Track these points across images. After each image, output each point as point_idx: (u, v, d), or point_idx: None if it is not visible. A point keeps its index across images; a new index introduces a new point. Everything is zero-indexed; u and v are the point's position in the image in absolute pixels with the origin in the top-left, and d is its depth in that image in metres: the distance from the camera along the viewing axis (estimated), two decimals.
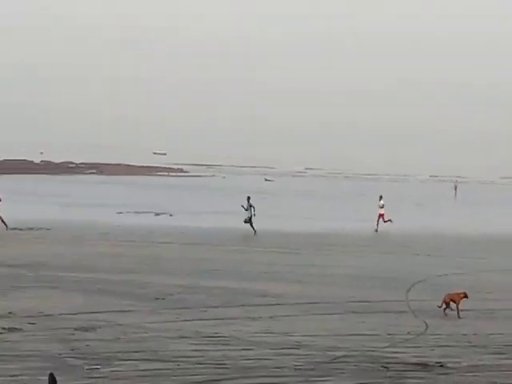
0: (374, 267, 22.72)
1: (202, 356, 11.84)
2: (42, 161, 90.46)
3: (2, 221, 28.63)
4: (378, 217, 33.72)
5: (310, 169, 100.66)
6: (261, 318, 14.80)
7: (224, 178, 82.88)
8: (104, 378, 10.51)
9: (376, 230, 33.31)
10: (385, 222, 33.69)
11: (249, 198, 31.06)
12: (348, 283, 19.63)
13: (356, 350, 12.60)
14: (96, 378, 10.50)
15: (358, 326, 14.48)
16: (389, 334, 13.82)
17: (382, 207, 33.91)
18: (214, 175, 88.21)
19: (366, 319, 15.10)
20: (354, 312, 15.71)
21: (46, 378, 5.55)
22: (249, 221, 30.59)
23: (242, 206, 30.88)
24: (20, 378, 10.34)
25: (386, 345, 13.07)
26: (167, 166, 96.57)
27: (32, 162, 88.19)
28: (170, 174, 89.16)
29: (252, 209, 30.67)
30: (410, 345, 13.19)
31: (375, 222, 33.59)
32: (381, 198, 34.26)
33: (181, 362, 11.50)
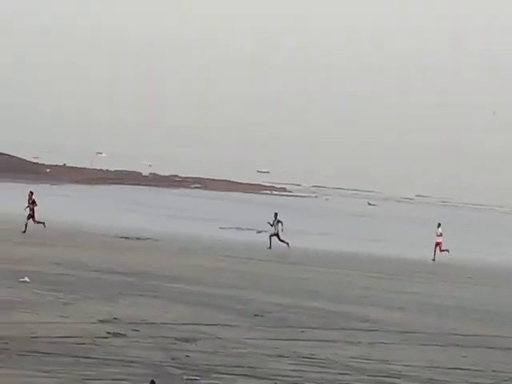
0: (477, 299, 22.02)
1: (300, 376, 11.81)
2: (150, 173, 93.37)
3: (35, 221, 28.98)
4: (435, 245, 32.65)
5: (421, 196, 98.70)
6: (360, 343, 14.61)
7: (327, 199, 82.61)
8: None
9: (433, 259, 32.25)
10: (441, 251, 32.47)
11: (276, 214, 31.68)
12: (450, 314, 19.08)
13: None
14: None
15: (460, 359, 14.04)
16: (493, 371, 13.32)
17: (439, 235, 32.83)
18: (316, 196, 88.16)
19: (469, 353, 14.61)
20: (457, 345, 15.25)
21: None
22: (275, 235, 31.15)
23: (268, 223, 31.45)
24: (123, 382, 10.64)
25: (490, 382, 12.60)
26: (270, 185, 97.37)
27: (141, 173, 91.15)
28: (273, 192, 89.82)
29: (280, 224, 31.23)
30: None
31: (433, 250, 32.49)
32: (439, 225, 33.15)
33: (278, 380, 11.50)
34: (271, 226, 31.23)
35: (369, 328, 16.12)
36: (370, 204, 77.34)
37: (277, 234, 31.15)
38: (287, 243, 31.03)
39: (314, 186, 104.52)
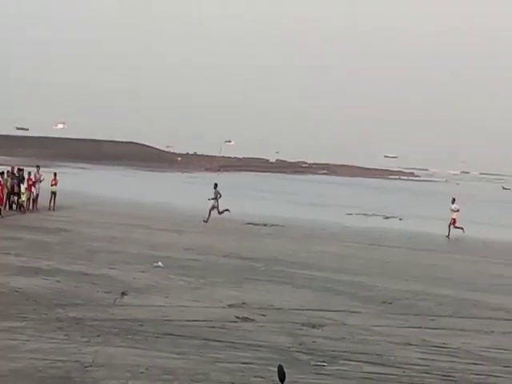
0: None
1: (429, 365, 11.56)
2: (277, 160, 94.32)
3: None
4: (450, 221, 31.06)
5: None
6: (493, 332, 14.11)
7: (458, 184, 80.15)
8: (330, 375, 10.67)
9: (448, 236, 30.79)
10: (455, 227, 30.88)
11: (216, 185, 29.98)
12: None
13: None
14: (322, 374, 10.70)
15: None
16: None
17: (455, 211, 31.11)
18: (446, 181, 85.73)
19: None
20: None
21: (276, 369, 5.77)
22: (216, 210, 29.60)
23: (209, 199, 29.90)
24: (251, 366, 10.82)
25: None
26: (398, 170, 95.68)
27: (268, 160, 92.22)
28: (401, 177, 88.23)
29: (217, 197, 29.60)
30: None
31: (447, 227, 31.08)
32: (453, 201, 31.36)
33: (406, 369, 11.32)
34: (213, 199, 29.83)
35: (502, 317, 15.52)
36: (504, 188, 74.36)
37: (217, 207, 29.80)
38: (221, 212, 29.72)
39: (443, 171, 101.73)
